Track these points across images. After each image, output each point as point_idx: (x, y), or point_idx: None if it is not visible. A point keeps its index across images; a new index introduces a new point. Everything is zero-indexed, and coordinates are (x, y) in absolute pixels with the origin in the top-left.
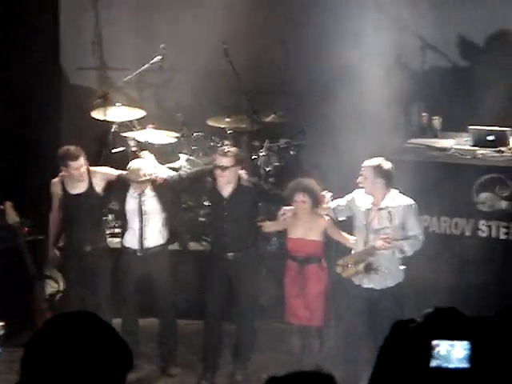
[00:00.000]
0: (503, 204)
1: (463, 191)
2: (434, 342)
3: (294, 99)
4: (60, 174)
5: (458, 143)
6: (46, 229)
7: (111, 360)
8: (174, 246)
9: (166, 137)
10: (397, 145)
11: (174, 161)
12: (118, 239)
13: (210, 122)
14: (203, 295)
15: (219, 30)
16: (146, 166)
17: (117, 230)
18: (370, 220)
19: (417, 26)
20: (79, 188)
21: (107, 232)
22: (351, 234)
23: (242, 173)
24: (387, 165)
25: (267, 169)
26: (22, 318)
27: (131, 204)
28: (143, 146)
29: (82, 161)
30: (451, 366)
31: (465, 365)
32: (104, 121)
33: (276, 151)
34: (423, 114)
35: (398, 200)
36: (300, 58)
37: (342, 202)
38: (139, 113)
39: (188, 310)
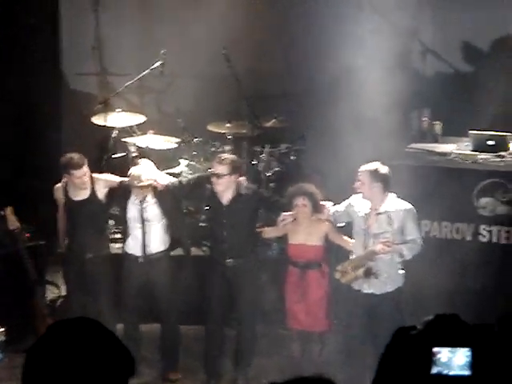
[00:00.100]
0: (504, 209)
1: (464, 196)
2: (435, 349)
3: (294, 104)
4: (63, 179)
5: (458, 148)
6: (47, 234)
7: (113, 366)
8: (178, 252)
9: (167, 142)
10: (397, 149)
11: (175, 166)
12: (118, 245)
13: (211, 128)
14: (204, 300)
15: (219, 35)
16: (147, 171)
17: (117, 236)
18: (369, 225)
19: (418, 31)
20: (82, 195)
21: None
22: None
23: (242, 180)
24: (384, 169)
25: (268, 174)
26: (23, 323)
27: (132, 211)
28: (144, 152)
29: (84, 169)
30: (452, 373)
31: (466, 372)
32: (104, 126)
33: (276, 156)
34: (423, 119)
35: (396, 204)
36: (300, 63)
37: (340, 207)
38: (139, 118)
39: (189, 315)
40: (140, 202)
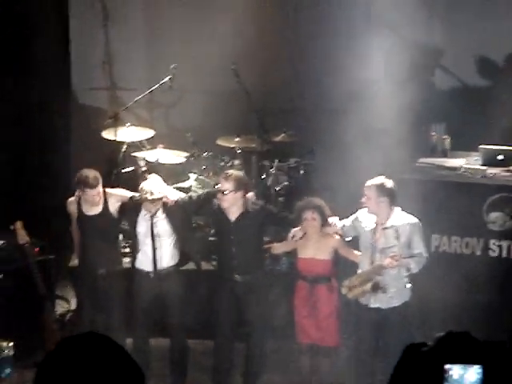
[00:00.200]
0: None
1: (473, 210)
2: (447, 366)
3: (303, 119)
4: (76, 194)
5: (467, 162)
6: (56, 249)
7: (123, 381)
8: (189, 266)
9: (176, 156)
10: (407, 164)
11: (184, 180)
12: (126, 259)
13: (220, 142)
14: (212, 315)
15: (229, 50)
16: (158, 185)
17: (126, 250)
18: (376, 239)
19: (428, 44)
20: (94, 209)
21: None
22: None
23: (249, 195)
24: (390, 183)
25: (277, 188)
26: (33, 338)
27: (143, 226)
28: (153, 166)
29: (98, 189)
30: None
31: None
32: (114, 141)
33: (285, 171)
34: (433, 134)
35: (402, 218)
36: (309, 77)
37: (347, 222)
38: (149, 133)
39: (198, 330)
40: (150, 217)
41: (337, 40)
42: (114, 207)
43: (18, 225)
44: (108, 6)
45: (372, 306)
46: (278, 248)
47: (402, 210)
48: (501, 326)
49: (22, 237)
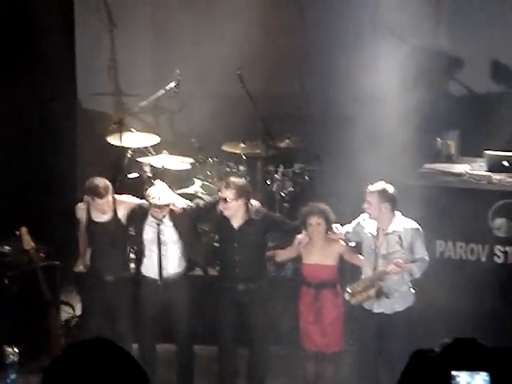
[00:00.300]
0: None
1: (478, 216)
2: (454, 373)
3: (308, 124)
4: (85, 199)
5: (473, 168)
6: (62, 254)
7: None
8: (195, 271)
9: (181, 162)
10: (412, 170)
11: (189, 186)
12: (132, 265)
13: (225, 148)
14: (215, 323)
15: (234, 55)
16: (165, 191)
17: (132, 256)
18: (378, 245)
19: (434, 52)
20: (103, 216)
21: None
22: None
23: (254, 203)
24: (391, 189)
25: (282, 194)
26: (38, 343)
27: (149, 233)
28: (158, 172)
29: (108, 198)
30: None
31: None
32: (119, 146)
33: (290, 176)
34: (438, 139)
35: (404, 223)
36: (315, 83)
37: (348, 228)
38: (154, 139)
39: (204, 335)
40: (157, 224)
41: (343, 46)
42: (122, 214)
43: (24, 230)
44: (113, 11)
45: (376, 311)
46: (282, 255)
47: (407, 215)
48: (505, 332)
49: (28, 242)
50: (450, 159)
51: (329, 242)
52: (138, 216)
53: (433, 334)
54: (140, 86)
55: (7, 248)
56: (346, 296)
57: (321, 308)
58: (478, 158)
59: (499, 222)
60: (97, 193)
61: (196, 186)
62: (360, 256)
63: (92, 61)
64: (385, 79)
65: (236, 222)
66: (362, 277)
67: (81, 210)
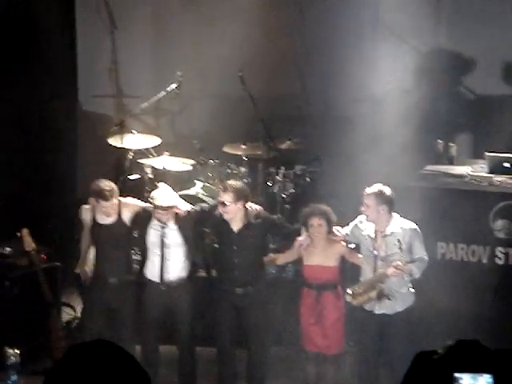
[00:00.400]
0: None
1: (480, 218)
2: (457, 375)
3: (309, 126)
4: (90, 201)
5: (474, 170)
6: (63, 256)
7: None
8: (200, 273)
9: (183, 164)
10: (413, 171)
11: (190, 188)
12: (137, 266)
13: (226, 149)
14: (214, 325)
15: (235, 57)
16: (170, 192)
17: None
18: (377, 247)
19: (435, 53)
20: (108, 219)
21: None
22: None
23: (253, 206)
24: (388, 190)
25: (283, 195)
26: (39, 345)
27: (153, 236)
28: (160, 173)
29: (113, 200)
30: None
31: None
32: (120, 148)
33: (291, 178)
34: (439, 141)
35: (401, 224)
36: (316, 84)
37: (346, 230)
38: (155, 140)
39: (204, 337)
40: (161, 227)
41: (343, 46)
42: (127, 217)
43: (25, 232)
44: (114, 12)
45: (377, 312)
46: (283, 259)
47: (408, 217)
48: (506, 334)
49: (29, 244)
50: (451, 161)
51: (330, 243)
52: (143, 219)
53: (434, 336)
54: (141, 88)
55: (8, 249)
56: (348, 298)
57: (322, 309)
58: (479, 159)
59: (500, 223)
60: (102, 195)
61: (197, 188)
62: (359, 255)
63: (93, 62)
64: (385, 80)
65: (235, 226)
66: (362, 279)
67: (85, 211)
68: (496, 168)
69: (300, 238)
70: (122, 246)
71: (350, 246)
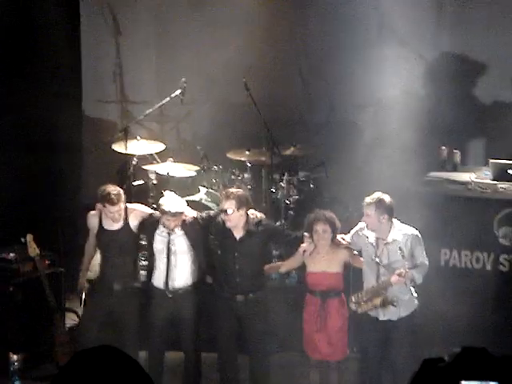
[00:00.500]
0: None
1: (484, 225)
2: (463, 383)
3: (313, 132)
4: (97, 207)
5: (478, 177)
6: (67, 261)
7: None
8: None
9: (187, 170)
10: (417, 178)
11: (194, 193)
12: (143, 272)
13: (230, 155)
14: (215, 332)
15: (239, 63)
16: (178, 199)
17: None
18: (379, 255)
19: (439, 59)
20: (115, 225)
21: None
22: None
23: (256, 214)
24: (387, 198)
25: (287, 202)
26: (42, 350)
27: (160, 243)
28: (164, 180)
29: (120, 205)
30: None
31: None
32: (125, 154)
33: (295, 184)
34: (443, 148)
35: (402, 231)
36: (320, 90)
37: (347, 237)
38: (159, 146)
39: (206, 343)
40: (168, 234)
41: (348, 53)
42: (133, 223)
43: (29, 238)
44: (119, 18)
45: (381, 318)
46: (286, 266)
47: (412, 223)
48: (511, 341)
49: (33, 250)
50: (455, 167)
51: (334, 249)
52: (149, 225)
53: (438, 342)
54: (145, 93)
55: (12, 255)
56: (352, 306)
57: (326, 317)
58: (483, 166)
59: (504, 230)
60: (109, 199)
61: (201, 194)
62: (361, 259)
63: (97, 68)
64: (390, 85)
65: (237, 233)
66: (365, 286)
67: (92, 217)
68: (500, 175)
69: (304, 245)
70: (128, 252)
71: (353, 252)
